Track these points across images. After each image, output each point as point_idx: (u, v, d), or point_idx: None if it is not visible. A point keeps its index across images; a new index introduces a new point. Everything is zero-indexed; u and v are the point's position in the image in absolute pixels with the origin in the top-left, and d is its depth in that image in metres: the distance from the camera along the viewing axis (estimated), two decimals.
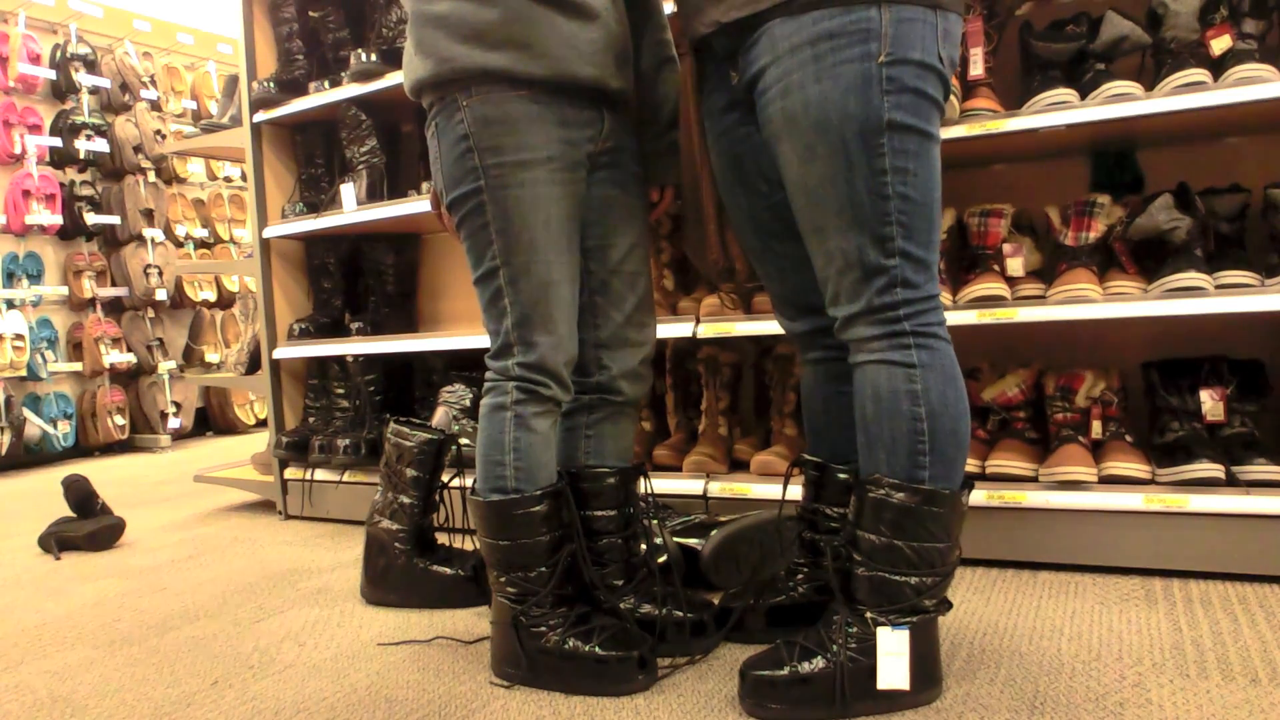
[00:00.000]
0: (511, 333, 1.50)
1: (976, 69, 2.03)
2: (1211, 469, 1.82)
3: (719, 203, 1.59)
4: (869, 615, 1.33)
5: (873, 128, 1.27)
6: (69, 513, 2.90)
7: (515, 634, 1.51)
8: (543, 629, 1.50)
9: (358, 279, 3.17)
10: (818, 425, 1.61)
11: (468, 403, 2.71)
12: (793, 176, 1.34)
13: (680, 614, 1.59)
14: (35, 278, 4.89)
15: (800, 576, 1.62)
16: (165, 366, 5.25)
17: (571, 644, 1.48)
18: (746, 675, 1.36)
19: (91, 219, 4.99)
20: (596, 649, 1.47)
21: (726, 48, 1.42)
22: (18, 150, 4.76)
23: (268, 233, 2.99)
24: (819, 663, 1.33)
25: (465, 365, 2.85)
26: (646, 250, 1.66)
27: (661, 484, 2.28)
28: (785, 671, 1.33)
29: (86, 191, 5.03)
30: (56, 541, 2.74)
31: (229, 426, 5.68)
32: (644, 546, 1.69)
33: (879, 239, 1.30)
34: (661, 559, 1.85)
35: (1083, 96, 1.90)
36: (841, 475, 1.55)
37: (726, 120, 1.50)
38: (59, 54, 4.97)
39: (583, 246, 1.59)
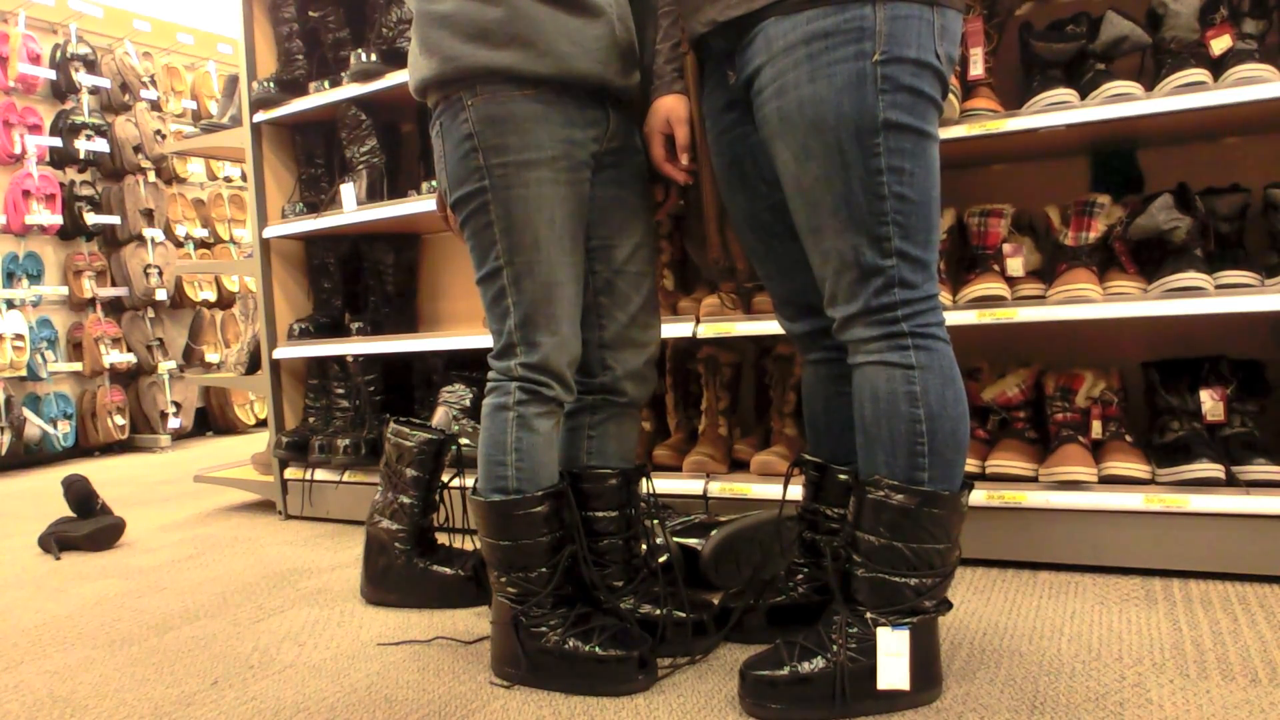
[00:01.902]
0: (514, 333, 1.50)
1: (976, 69, 2.03)
2: (1211, 469, 1.82)
3: (720, 201, 1.59)
4: (869, 616, 1.33)
5: (868, 127, 1.26)
6: (69, 513, 2.90)
7: (515, 634, 1.51)
8: (543, 629, 1.50)
9: (358, 279, 3.17)
10: (818, 426, 1.61)
11: (468, 403, 2.71)
12: (789, 177, 1.34)
13: (681, 614, 1.59)
14: (35, 278, 4.89)
15: (800, 577, 1.62)
16: (165, 366, 5.25)
17: (571, 644, 1.48)
18: (746, 675, 1.36)
19: (91, 219, 4.99)
20: (596, 649, 1.47)
21: (723, 47, 1.42)
22: (18, 150, 4.76)
23: (268, 233, 2.99)
24: (819, 663, 1.33)
25: (465, 365, 2.85)
26: (652, 250, 1.66)
27: (661, 484, 2.28)
28: (785, 671, 1.33)
29: (86, 191, 5.03)
30: (56, 541, 2.74)
31: (229, 426, 5.68)
32: (644, 547, 1.68)
33: (875, 239, 1.29)
34: (663, 559, 1.85)
35: (1083, 96, 1.90)
36: (842, 476, 1.55)
37: (725, 120, 1.50)
38: (59, 54, 4.97)
39: (587, 246, 1.59)
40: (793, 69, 1.28)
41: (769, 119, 1.33)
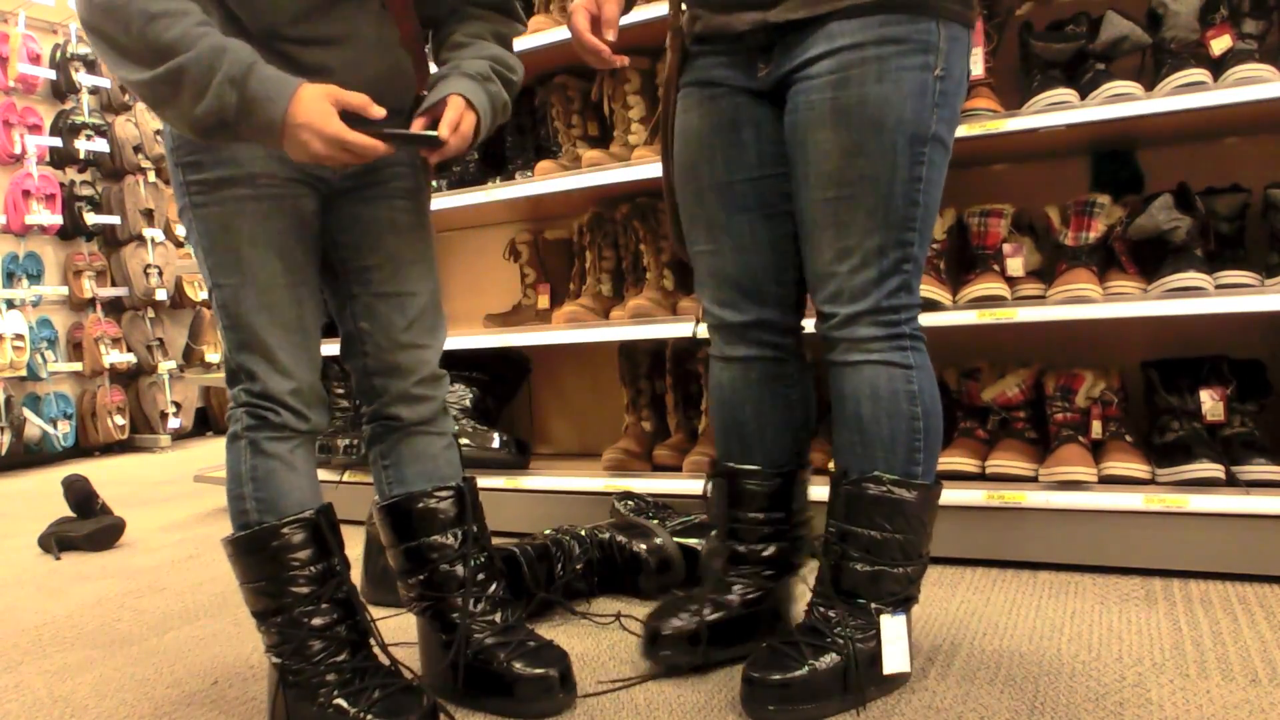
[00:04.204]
0: (232, 359, 1.39)
1: (976, 69, 2.03)
2: (1211, 469, 1.82)
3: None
4: (873, 606, 1.36)
5: (920, 135, 1.31)
6: (69, 513, 2.90)
7: (283, 695, 1.33)
8: (314, 684, 1.32)
9: None
10: (747, 431, 1.52)
11: (468, 403, 2.71)
12: (828, 167, 1.33)
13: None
14: (35, 278, 4.89)
15: (735, 590, 1.53)
16: (165, 366, 5.26)
17: (337, 705, 1.31)
18: (754, 680, 1.34)
19: (91, 219, 4.99)
20: (362, 714, 1.30)
21: (762, 42, 1.39)
22: (18, 150, 4.76)
23: None
24: (832, 657, 1.33)
25: (465, 365, 2.85)
26: (424, 268, 1.50)
27: (662, 484, 2.28)
28: (804, 670, 1.32)
29: (86, 191, 5.03)
30: (56, 541, 2.74)
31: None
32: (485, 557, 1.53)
33: (901, 243, 1.34)
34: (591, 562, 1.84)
35: (1083, 96, 1.90)
36: (751, 485, 1.50)
37: (732, 97, 1.44)
38: (59, 54, 4.97)
39: (343, 269, 1.48)
40: (859, 65, 1.29)
41: (817, 105, 1.32)
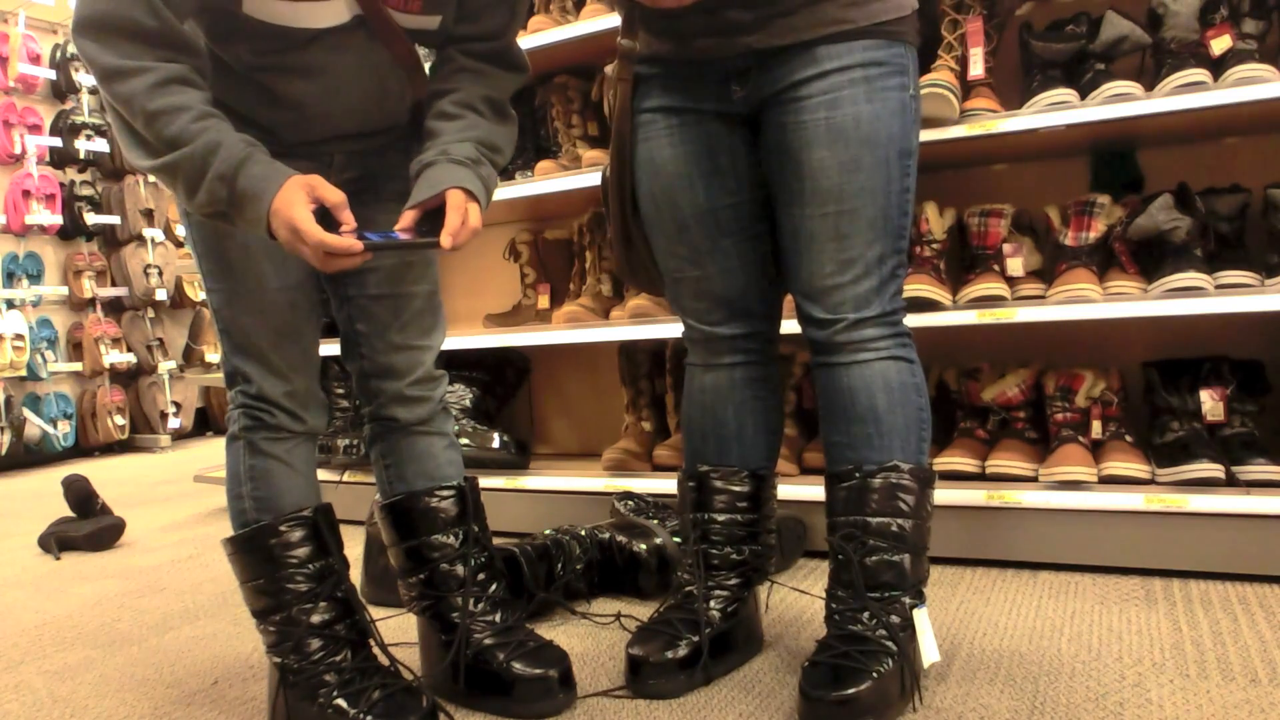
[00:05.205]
0: (229, 362, 1.42)
1: (976, 69, 2.03)
2: (1211, 469, 1.82)
3: (625, 213, 1.56)
4: (906, 600, 1.36)
5: (905, 149, 1.39)
6: (69, 513, 2.90)
7: (284, 695, 1.34)
8: (314, 684, 1.33)
9: None
10: (726, 431, 1.55)
11: (468, 403, 2.71)
12: (827, 184, 1.36)
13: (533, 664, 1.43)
14: (35, 278, 4.89)
15: (714, 606, 1.51)
16: (165, 366, 5.26)
17: (337, 705, 1.32)
18: (816, 699, 1.28)
19: (91, 219, 4.99)
20: (361, 715, 1.30)
21: (738, 66, 1.40)
22: (18, 150, 4.76)
23: None
24: (889, 662, 1.31)
25: (465, 365, 2.86)
26: (422, 269, 1.50)
27: (662, 484, 2.28)
28: (872, 681, 1.28)
29: (86, 191, 5.03)
30: (56, 541, 2.74)
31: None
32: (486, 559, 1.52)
33: (897, 250, 1.41)
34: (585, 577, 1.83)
35: (1083, 96, 1.90)
36: (727, 482, 1.52)
37: (702, 124, 1.46)
38: (59, 54, 4.98)
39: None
40: (849, 86, 1.35)
41: (810, 125, 1.36)
